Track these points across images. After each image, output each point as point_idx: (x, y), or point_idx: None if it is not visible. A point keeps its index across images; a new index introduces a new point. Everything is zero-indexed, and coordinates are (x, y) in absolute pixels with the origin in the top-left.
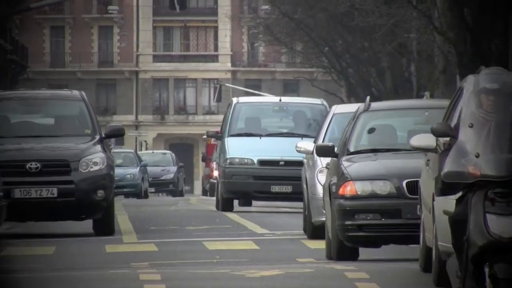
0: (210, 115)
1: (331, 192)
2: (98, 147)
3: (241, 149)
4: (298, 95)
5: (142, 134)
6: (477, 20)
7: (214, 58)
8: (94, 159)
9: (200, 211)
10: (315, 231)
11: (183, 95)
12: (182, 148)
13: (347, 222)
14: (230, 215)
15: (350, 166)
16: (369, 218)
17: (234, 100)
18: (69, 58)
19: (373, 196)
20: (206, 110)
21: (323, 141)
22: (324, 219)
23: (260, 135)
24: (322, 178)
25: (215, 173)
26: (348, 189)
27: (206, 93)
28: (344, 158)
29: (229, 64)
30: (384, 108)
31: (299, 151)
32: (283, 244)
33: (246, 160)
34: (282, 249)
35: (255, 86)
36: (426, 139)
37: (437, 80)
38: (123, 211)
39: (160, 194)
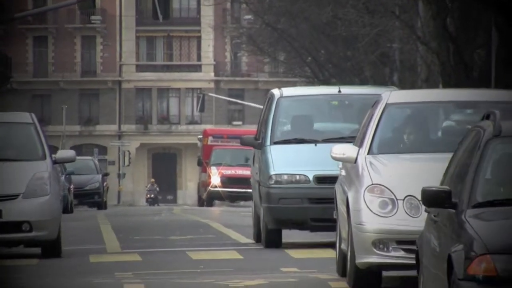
0: (193, 125)
1: (455, 267)
2: None
3: (291, 162)
4: None
5: (125, 144)
6: (460, 30)
7: (197, 68)
8: None
9: (183, 221)
10: (360, 277)
11: (166, 105)
12: (165, 158)
13: None
14: (214, 224)
15: (482, 229)
16: None
17: (276, 93)
18: (52, 68)
19: None
20: (189, 119)
21: (371, 145)
22: (375, 260)
23: (315, 141)
24: (372, 200)
25: (214, 181)
26: (483, 267)
27: (189, 103)
28: (470, 212)
29: (212, 74)
30: None
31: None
32: (267, 254)
33: (298, 177)
34: (265, 259)
35: (238, 95)
36: None
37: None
38: (106, 221)
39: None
